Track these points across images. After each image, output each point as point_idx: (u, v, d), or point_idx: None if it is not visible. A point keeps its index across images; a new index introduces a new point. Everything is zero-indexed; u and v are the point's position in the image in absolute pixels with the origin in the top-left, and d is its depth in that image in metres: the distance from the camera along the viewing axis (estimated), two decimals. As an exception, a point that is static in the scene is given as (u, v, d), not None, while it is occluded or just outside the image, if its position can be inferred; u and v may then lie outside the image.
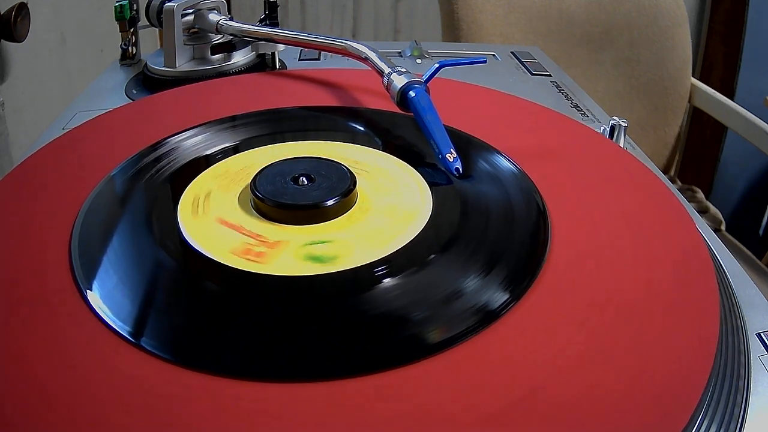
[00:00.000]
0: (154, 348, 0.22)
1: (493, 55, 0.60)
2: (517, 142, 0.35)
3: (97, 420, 0.20)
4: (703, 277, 0.26)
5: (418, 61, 0.56)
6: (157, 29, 0.52)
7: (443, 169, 0.32)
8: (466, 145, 0.35)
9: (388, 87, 0.37)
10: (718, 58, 1.24)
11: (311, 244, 0.27)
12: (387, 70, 0.38)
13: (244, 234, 0.28)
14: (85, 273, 0.26)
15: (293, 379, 0.21)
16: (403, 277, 0.25)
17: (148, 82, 0.49)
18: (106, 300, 0.24)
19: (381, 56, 0.40)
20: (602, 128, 0.40)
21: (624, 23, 0.90)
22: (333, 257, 0.27)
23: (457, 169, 0.32)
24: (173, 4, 0.47)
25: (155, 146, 0.35)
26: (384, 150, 0.35)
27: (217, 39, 0.49)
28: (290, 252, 0.27)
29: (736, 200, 1.33)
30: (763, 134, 0.82)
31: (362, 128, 0.38)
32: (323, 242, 0.27)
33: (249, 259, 0.26)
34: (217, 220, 0.29)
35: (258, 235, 0.28)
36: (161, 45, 0.50)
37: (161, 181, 0.32)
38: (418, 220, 0.29)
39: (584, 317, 0.24)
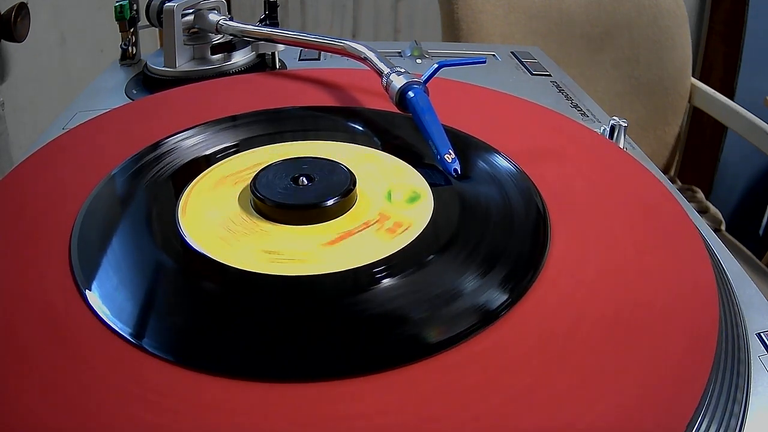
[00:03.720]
0: (155, 349, 0.22)
1: (493, 55, 0.60)
2: (516, 142, 0.35)
3: (97, 421, 0.20)
4: (703, 277, 0.26)
5: (418, 61, 0.56)
6: (157, 29, 0.52)
7: (442, 169, 0.32)
8: (465, 145, 0.35)
9: (387, 87, 0.37)
10: (718, 58, 1.24)
11: (389, 197, 0.30)
12: (386, 70, 0.38)
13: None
14: (85, 274, 0.26)
15: (293, 379, 0.21)
16: (403, 277, 0.25)
17: (148, 82, 0.49)
18: (106, 301, 0.24)
19: (380, 56, 0.40)
20: (602, 128, 0.40)
21: (624, 23, 0.90)
22: (419, 193, 0.31)
23: (455, 170, 0.31)
24: (173, 4, 0.47)
25: (155, 146, 0.35)
26: (384, 150, 0.35)
27: (217, 39, 0.49)
28: (393, 209, 0.29)
29: (736, 200, 1.33)
30: (763, 134, 0.82)
31: (362, 128, 0.38)
32: (391, 192, 0.31)
33: (390, 230, 0.28)
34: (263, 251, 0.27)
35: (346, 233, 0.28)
36: (161, 45, 0.50)
37: (161, 181, 0.32)
38: (412, 228, 0.29)
39: (584, 318, 0.24)
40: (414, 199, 0.30)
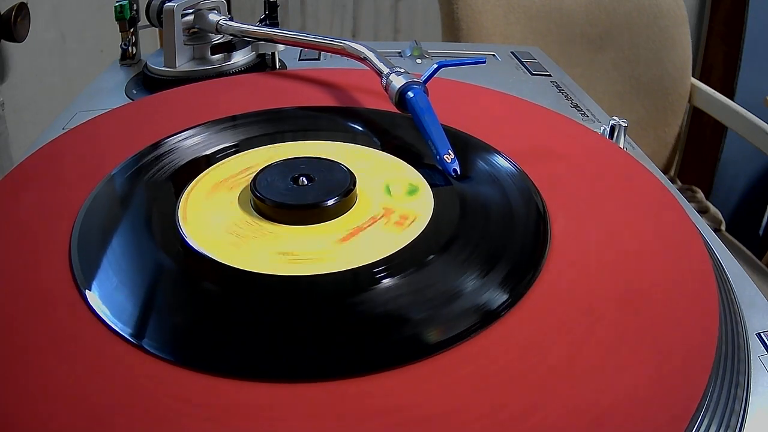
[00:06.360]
0: (155, 349, 0.22)
1: (493, 55, 0.60)
2: (516, 142, 0.35)
3: (99, 422, 0.20)
4: (703, 277, 0.26)
5: (418, 61, 0.56)
6: (157, 29, 0.52)
7: (442, 169, 0.32)
8: (465, 145, 0.35)
9: (387, 87, 0.37)
10: (718, 58, 1.24)
11: (389, 191, 0.31)
12: (385, 70, 0.38)
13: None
14: (85, 274, 0.26)
15: (293, 379, 0.21)
16: (403, 277, 0.25)
17: (148, 82, 0.49)
18: (106, 301, 0.24)
19: (380, 56, 0.40)
20: (602, 128, 0.40)
21: (624, 23, 0.90)
22: (416, 185, 0.31)
23: (455, 170, 0.31)
24: (173, 4, 0.47)
25: (155, 146, 0.35)
26: (383, 150, 0.35)
27: (217, 39, 0.49)
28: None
29: (736, 200, 1.33)
30: (763, 134, 0.82)
31: (362, 128, 0.38)
32: (389, 187, 0.31)
33: (398, 224, 0.29)
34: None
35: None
36: (161, 45, 0.50)
37: (161, 182, 0.32)
38: (418, 220, 0.29)
39: (584, 318, 0.24)
40: (413, 191, 0.31)
